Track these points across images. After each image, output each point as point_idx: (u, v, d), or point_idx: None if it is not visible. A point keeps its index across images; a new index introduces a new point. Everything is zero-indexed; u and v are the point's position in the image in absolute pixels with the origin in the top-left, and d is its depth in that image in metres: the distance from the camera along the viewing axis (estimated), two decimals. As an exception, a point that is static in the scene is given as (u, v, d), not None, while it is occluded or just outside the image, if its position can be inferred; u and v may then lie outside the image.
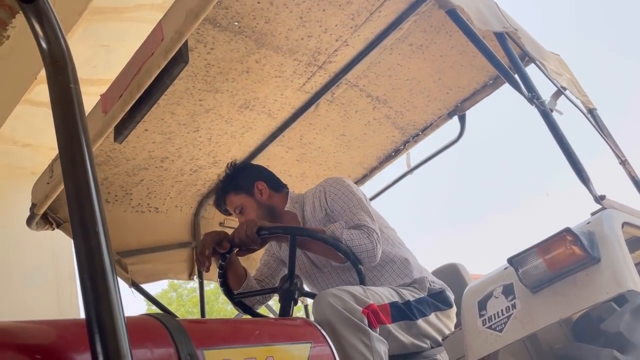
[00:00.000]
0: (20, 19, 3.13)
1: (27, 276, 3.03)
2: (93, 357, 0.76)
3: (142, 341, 0.92)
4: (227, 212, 2.24)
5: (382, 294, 1.73)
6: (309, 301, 2.85)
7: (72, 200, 0.88)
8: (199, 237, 2.81)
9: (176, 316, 2.70)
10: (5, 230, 3.09)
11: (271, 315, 2.58)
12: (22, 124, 3.03)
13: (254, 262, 2.48)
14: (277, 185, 2.17)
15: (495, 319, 1.32)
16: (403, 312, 1.75)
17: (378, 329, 1.59)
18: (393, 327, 1.69)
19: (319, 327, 1.29)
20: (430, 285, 1.94)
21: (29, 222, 2.14)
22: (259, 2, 1.82)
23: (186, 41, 1.54)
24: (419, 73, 2.40)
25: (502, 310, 1.32)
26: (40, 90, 2.93)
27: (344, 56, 2.20)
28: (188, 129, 2.34)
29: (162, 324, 0.99)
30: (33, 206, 2.10)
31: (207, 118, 2.32)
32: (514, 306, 1.31)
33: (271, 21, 1.90)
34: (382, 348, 1.55)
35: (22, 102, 2.91)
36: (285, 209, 2.09)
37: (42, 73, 2.84)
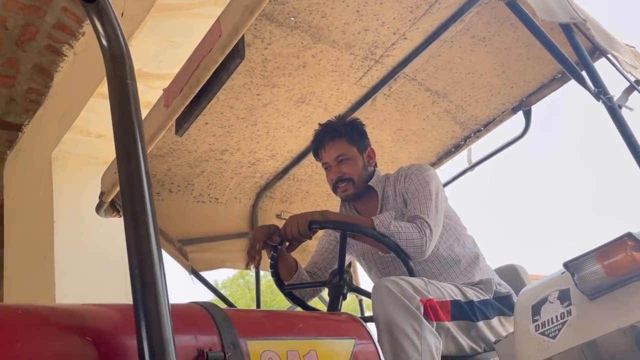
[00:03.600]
0: (95, 17, 3.30)
1: (98, 260, 3.22)
2: (138, 341, 0.79)
3: (187, 328, 0.96)
4: (318, 154, 2.12)
5: (445, 290, 1.70)
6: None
7: (125, 191, 0.92)
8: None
9: (233, 304, 2.78)
10: (80, 216, 3.29)
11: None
12: (95, 116, 3.20)
13: (308, 255, 2.50)
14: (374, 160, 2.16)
15: (549, 324, 1.26)
16: (464, 311, 1.71)
17: (435, 325, 1.56)
18: (451, 326, 1.65)
19: (365, 324, 1.29)
20: (496, 288, 1.88)
21: (98, 209, 2.26)
22: None
23: (242, 37, 1.57)
24: (481, 66, 2.32)
25: (556, 316, 1.26)
26: (112, 85, 3.07)
27: (402, 50, 2.17)
28: (246, 123, 2.39)
29: (207, 312, 1.02)
30: (102, 194, 2.22)
31: (264, 112, 2.35)
32: (569, 312, 1.24)
33: (327, 15, 1.90)
34: (433, 341, 1.51)
35: (95, 95, 3.08)
36: (370, 183, 2.07)
37: (114, 68, 2.98)
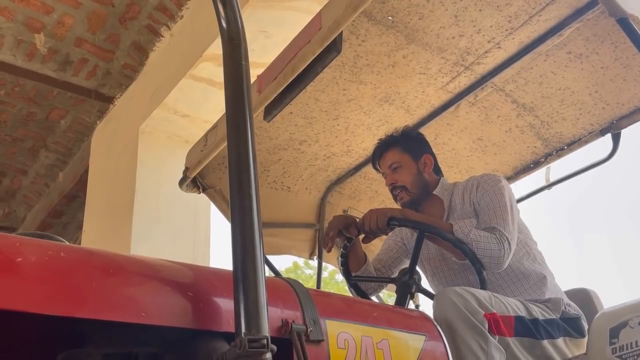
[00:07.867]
0: (194, 1, 3.48)
1: (171, 233, 3.39)
2: (235, 302, 0.85)
3: (273, 299, 1.01)
4: (376, 166, 2.20)
5: (509, 305, 1.67)
6: (420, 302, 2.84)
7: (233, 163, 0.98)
8: (323, 220, 2.92)
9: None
10: (159, 188, 3.47)
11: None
12: (183, 96, 3.37)
13: (375, 250, 2.52)
14: (437, 168, 2.18)
15: (627, 349, 1.23)
16: (528, 328, 1.68)
17: (497, 339, 1.55)
18: (513, 342, 1.63)
19: (436, 323, 1.30)
20: (565, 308, 1.84)
21: (181, 183, 2.38)
22: None
23: (341, 32, 1.62)
24: (574, 83, 2.26)
25: (636, 341, 1.22)
26: (204, 67, 3.23)
27: (494, 59, 2.15)
28: (328, 116, 2.44)
29: (292, 287, 1.07)
30: (186, 169, 2.34)
31: (347, 107, 2.40)
32: (651, 340, 1.20)
33: (425, 18, 1.92)
34: (499, 356, 1.50)
35: (187, 76, 3.24)
36: (434, 192, 2.08)
37: (207, 52, 3.14)
